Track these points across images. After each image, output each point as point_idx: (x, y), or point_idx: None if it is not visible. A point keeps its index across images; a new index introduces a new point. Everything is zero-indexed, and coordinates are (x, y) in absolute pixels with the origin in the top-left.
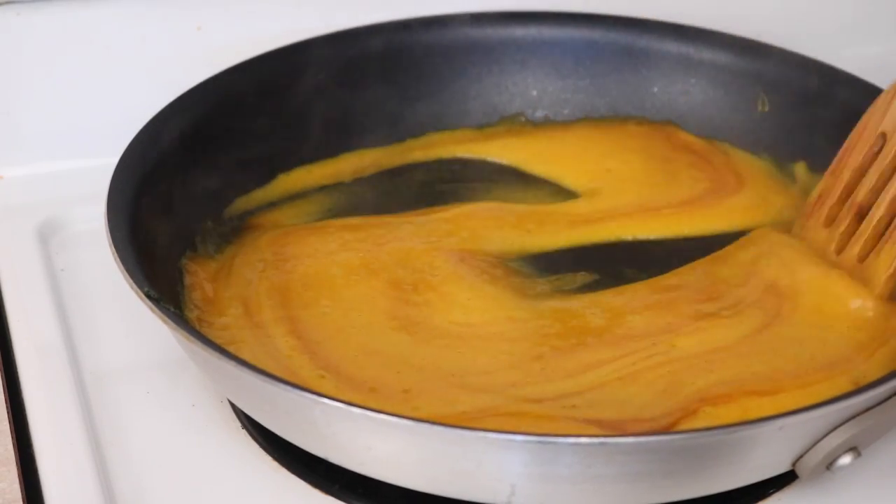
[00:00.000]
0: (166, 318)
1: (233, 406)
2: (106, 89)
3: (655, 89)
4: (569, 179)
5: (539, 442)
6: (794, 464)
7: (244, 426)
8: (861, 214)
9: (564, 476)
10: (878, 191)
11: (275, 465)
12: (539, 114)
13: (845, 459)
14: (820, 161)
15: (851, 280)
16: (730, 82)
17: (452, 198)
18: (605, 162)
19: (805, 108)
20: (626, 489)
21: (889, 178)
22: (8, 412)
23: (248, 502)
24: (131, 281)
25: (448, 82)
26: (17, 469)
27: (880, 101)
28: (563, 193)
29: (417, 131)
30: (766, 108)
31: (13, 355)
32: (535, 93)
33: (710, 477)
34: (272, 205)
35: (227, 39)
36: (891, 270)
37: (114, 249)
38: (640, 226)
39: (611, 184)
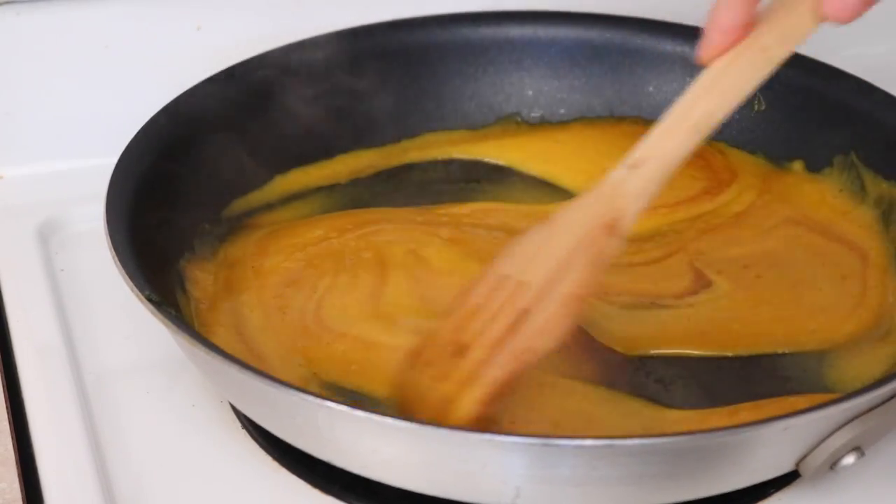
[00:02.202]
0: (168, 322)
1: (233, 406)
2: (106, 89)
3: (651, 88)
4: (565, 179)
5: (543, 444)
6: (797, 464)
7: (244, 426)
8: (462, 353)
9: (569, 478)
10: (484, 331)
11: (275, 465)
12: (535, 114)
13: (849, 459)
14: (816, 160)
15: None
16: None
17: (448, 198)
18: (602, 162)
19: (802, 108)
20: (631, 490)
21: (494, 320)
22: (8, 412)
23: (247, 502)
24: (132, 285)
25: (443, 83)
26: (17, 469)
27: (508, 246)
28: (559, 193)
29: (413, 132)
30: (763, 108)
31: (13, 355)
32: (530, 93)
33: (714, 478)
34: (270, 206)
35: (227, 39)
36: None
37: (114, 253)
38: (636, 224)
39: None
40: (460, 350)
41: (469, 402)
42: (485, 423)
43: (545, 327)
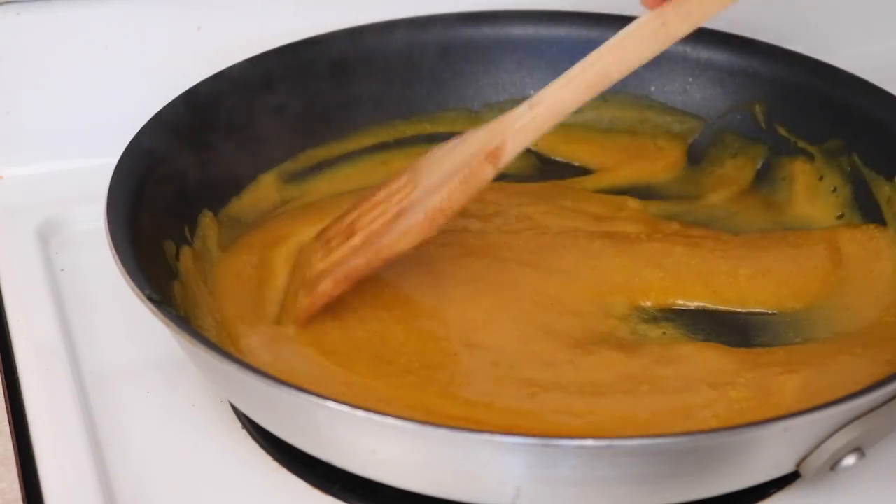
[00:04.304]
0: (168, 321)
1: (233, 406)
2: (106, 89)
3: (653, 88)
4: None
5: (544, 444)
6: (798, 464)
7: (244, 426)
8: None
9: (569, 478)
10: (371, 222)
11: (275, 465)
12: None
13: (849, 460)
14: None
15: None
16: (728, 81)
17: None
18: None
19: (804, 108)
20: (631, 491)
21: (383, 213)
22: (8, 412)
23: (247, 502)
24: (132, 284)
25: (444, 82)
26: (17, 469)
27: (427, 153)
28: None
29: (413, 132)
30: (763, 111)
31: (13, 355)
32: (532, 92)
33: (715, 478)
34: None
35: (227, 39)
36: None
37: (114, 252)
38: None
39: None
40: (349, 235)
41: (329, 278)
42: (323, 302)
43: (408, 230)
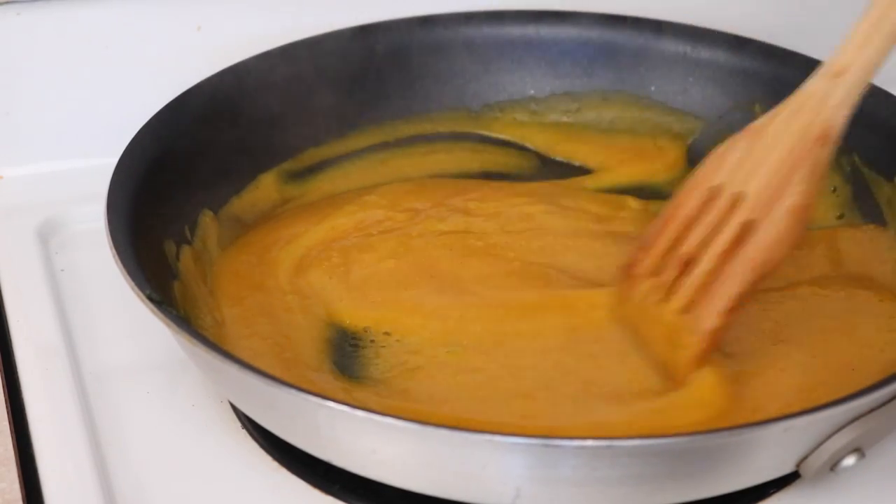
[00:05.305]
0: (168, 321)
1: (233, 406)
2: (106, 89)
3: (653, 88)
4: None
5: (544, 444)
6: (798, 465)
7: (244, 426)
8: (687, 265)
9: (569, 478)
10: (706, 243)
11: (275, 465)
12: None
13: (849, 460)
14: None
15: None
16: (728, 81)
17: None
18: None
19: None
20: (631, 491)
21: (717, 231)
22: (8, 412)
23: (248, 502)
24: (133, 283)
25: (445, 82)
26: (17, 469)
27: (713, 156)
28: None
29: (413, 132)
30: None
31: (13, 355)
32: (532, 92)
33: (715, 478)
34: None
35: (227, 39)
36: (707, 328)
37: (114, 251)
38: None
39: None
40: (685, 263)
41: (711, 314)
42: (719, 340)
43: (778, 238)
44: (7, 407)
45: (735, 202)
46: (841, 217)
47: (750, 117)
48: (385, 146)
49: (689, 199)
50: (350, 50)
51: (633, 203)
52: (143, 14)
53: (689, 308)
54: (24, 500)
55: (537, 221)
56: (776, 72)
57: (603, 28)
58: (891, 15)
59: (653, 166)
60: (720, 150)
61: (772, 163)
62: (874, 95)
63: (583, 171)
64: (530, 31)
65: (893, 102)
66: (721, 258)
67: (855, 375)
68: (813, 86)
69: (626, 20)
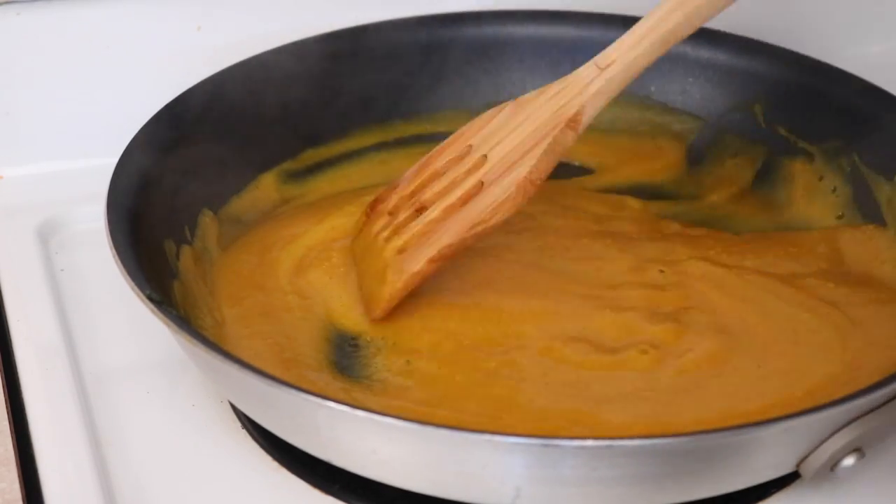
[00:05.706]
0: (168, 321)
1: (233, 406)
2: (106, 89)
3: (653, 88)
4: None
5: (543, 444)
6: (798, 465)
7: (244, 426)
8: (419, 211)
9: (569, 478)
10: (442, 195)
11: (275, 465)
12: None
13: (849, 460)
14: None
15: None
16: (728, 81)
17: None
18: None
19: (804, 108)
20: (631, 491)
21: (454, 186)
22: (8, 412)
23: (248, 502)
24: (133, 283)
25: (445, 82)
26: (17, 469)
27: (479, 119)
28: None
29: (413, 132)
30: (763, 111)
31: (13, 355)
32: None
33: (715, 478)
34: (269, 204)
35: (227, 39)
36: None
37: (114, 251)
38: None
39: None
40: (419, 209)
41: (421, 258)
42: (417, 283)
43: (496, 204)
44: (7, 407)
45: (479, 164)
46: (841, 217)
47: (750, 117)
48: (385, 146)
49: (446, 151)
50: (349, 50)
51: (633, 203)
52: (143, 14)
53: (404, 249)
54: (24, 500)
55: (537, 221)
56: (776, 72)
57: (603, 28)
58: (666, 23)
59: (653, 166)
60: (489, 112)
61: (520, 134)
62: (874, 95)
63: (583, 171)
64: (531, 30)
65: (893, 102)
66: (447, 210)
67: (855, 375)
68: (582, 72)
69: (626, 20)
